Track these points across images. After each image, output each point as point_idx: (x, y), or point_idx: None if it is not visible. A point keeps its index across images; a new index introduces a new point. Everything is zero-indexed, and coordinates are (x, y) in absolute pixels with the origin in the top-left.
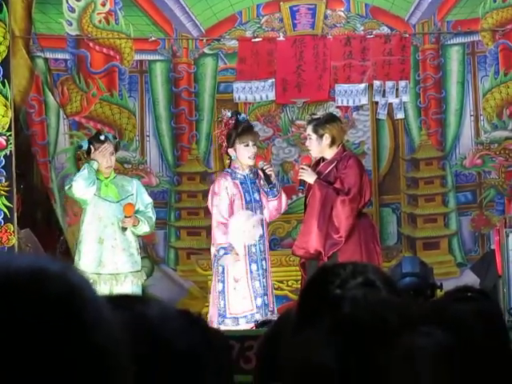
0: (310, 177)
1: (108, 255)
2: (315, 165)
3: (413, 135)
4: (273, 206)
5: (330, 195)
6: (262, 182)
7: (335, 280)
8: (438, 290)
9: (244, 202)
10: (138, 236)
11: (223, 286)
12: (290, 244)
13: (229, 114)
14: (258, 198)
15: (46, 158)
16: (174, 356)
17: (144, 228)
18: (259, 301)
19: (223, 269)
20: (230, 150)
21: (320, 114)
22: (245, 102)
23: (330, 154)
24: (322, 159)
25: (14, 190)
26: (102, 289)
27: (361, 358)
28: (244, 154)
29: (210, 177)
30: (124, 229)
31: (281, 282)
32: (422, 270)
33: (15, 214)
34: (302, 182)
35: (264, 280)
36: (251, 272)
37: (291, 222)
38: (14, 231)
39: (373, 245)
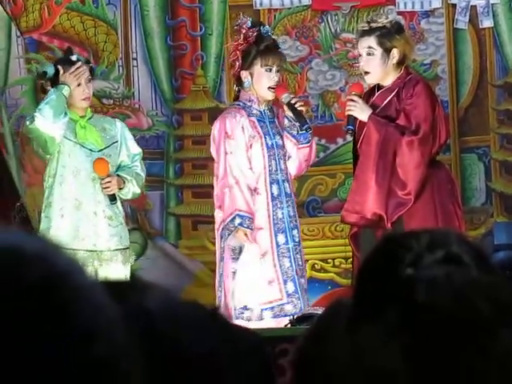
0: (362, 112)
1: (88, 225)
2: (367, 95)
3: (506, 51)
4: (303, 154)
5: (391, 136)
6: (287, 121)
7: (405, 256)
8: None
9: (265, 148)
10: (124, 201)
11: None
12: (335, 207)
13: (248, 22)
14: (280, 142)
15: None
16: (183, 362)
17: (132, 189)
18: (290, 286)
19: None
20: (244, 73)
21: (382, 21)
22: (269, 9)
23: (390, 79)
24: (378, 87)
25: None
26: None
27: (441, 360)
28: (263, 82)
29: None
30: (113, 198)
31: (324, 260)
32: None
33: None
34: (351, 120)
35: (298, 256)
36: (278, 246)
37: (337, 176)
38: None
39: (452, 206)
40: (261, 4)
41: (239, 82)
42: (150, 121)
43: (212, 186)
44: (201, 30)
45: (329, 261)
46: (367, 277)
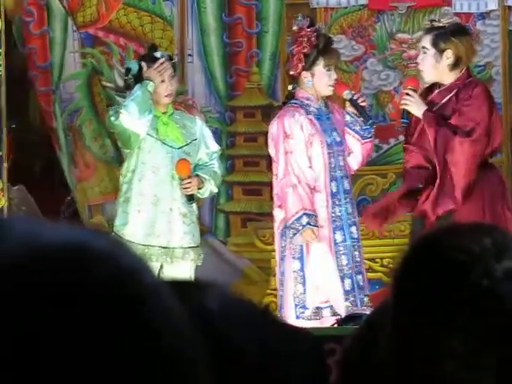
0: (417, 107)
1: (164, 221)
2: (426, 92)
3: None
4: (366, 149)
5: (444, 134)
6: (349, 117)
7: (473, 264)
8: None
9: (325, 145)
10: None
11: (301, 265)
12: None
13: (305, 22)
14: (338, 139)
15: (49, 87)
16: (241, 363)
17: (210, 188)
18: (348, 283)
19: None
20: (305, 73)
21: (445, 21)
22: (325, 8)
23: (449, 79)
24: (438, 85)
25: (4, 131)
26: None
27: None
28: (324, 80)
29: (276, 112)
30: (190, 198)
31: (372, 260)
32: None
33: (4, 165)
34: (406, 114)
35: (356, 253)
36: (336, 243)
37: (388, 176)
38: (2, 188)
39: (501, 208)
40: (317, 3)
41: (296, 81)
42: (203, 117)
43: (262, 184)
44: (257, 27)
45: (377, 260)
46: (410, 278)
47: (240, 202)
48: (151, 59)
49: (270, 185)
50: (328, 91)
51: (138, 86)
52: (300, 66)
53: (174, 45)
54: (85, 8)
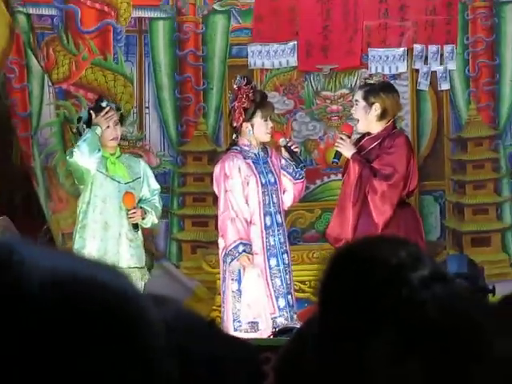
0: (347, 150)
1: (114, 244)
2: (359, 139)
3: (460, 110)
4: (297, 189)
5: (366, 175)
6: (284, 161)
7: (389, 274)
8: (490, 295)
9: (260, 185)
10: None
11: (238, 285)
12: (312, 237)
13: (243, 81)
14: (272, 179)
15: (28, 132)
16: (191, 367)
17: (151, 219)
18: (282, 301)
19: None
20: (246, 125)
21: (375, 79)
22: (261, 69)
23: (376, 128)
24: (367, 134)
25: None
26: None
27: (451, 371)
28: (262, 130)
29: (220, 157)
30: (135, 226)
31: (302, 282)
32: (471, 270)
33: None
34: (338, 155)
35: (287, 277)
36: (270, 268)
37: (315, 211)
38: None
39: (415, 241)
40: (254, 64)
41: (237, 131)
42: (158, 160)
43: (209, 217)
44: (203, 85)
45: (306, 282)
46: (351, 293)
47: (190, 231)
48: (99, 108)
49: (215, 217)
50: (266, 138)
51: (87, 130)
52: (241, 118)
53: (133, 98)
54: (58, 67)
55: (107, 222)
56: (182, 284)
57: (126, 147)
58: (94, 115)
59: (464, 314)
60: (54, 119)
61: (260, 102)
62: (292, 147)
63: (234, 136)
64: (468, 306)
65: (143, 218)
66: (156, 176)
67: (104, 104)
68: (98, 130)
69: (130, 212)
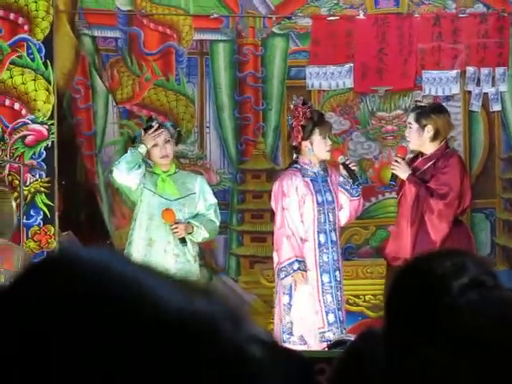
0: (403, 172)
1: (158, 260)
2: (412, 160)
3: (511, 130)
4: (354, 206)
5: (423, 195)
6: (341, 179)
7: (434, 283)
8: None
9: (316, 204)
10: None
11: (290, 299)
12: (367, 253)
13: (299, 101)
14: (330, 198)
15: (92, 151)
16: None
17: (202, 234)
18: (331, 317)
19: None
20: (305, 143)
21: (426, 101)
22: (318, 90)
23: (430, 149)
24: (421, 154)
25: (56, 186)
26: None
27: (490, 376)
28: (322, 147)
29: (278, 175)
30: (183, 241)
31: (356, 296)
32: None
33: (56, 214)
34: (394, 177)
35: (338, 293)
36: (323, 284)
37: (369, 228)
38: (54, 234)
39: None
40: (312, 86)
41: (297, 150)
42: (218, 178)
43: (267, 233)
44: (262, 105)
45: (360, 297)
46: (400, 304)
47: (248, 247)
48: (149, 127)
49: (272, 233)
50: (326, 156)
51: (129, 149)
52: (299, 136)
53: (194, 118)
54: (122, 87)
55: (151, 238)
56: (240, 297)
57: (187, 165)
58: (142, 134)
59: (499, 319)
60: (117, 138)
61: (318, 120)
62: (350, 165)
63: (295, 155)
64: (506, 309)
65: (190, 233)
66: (216, 193)
67: (154, 123)
68: (142, 148)
69: (171, 227)
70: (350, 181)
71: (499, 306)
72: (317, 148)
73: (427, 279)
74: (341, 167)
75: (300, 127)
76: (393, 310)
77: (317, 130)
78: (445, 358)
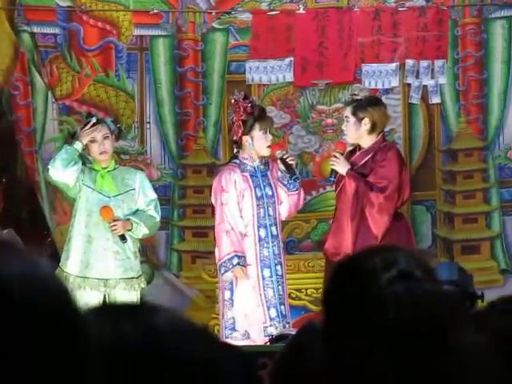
0: (342, 167)
1: (97, 257)
2: (350, 154)
3: (450, 122)
4: (293, 200)
5: (362, 190)
6: (280, 173)
7: (364, 277)
8: (479, 301)
9: (255, 198)
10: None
11: (231, 294)
12: (308, 247)
13: (240, 95)
14: (270, 192)
15: (32, 148)
16: (189, 371)
17: (142, 230)
18: (273, 312)
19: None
20: (245, 138)
21: (362, 94)
22: (259, 84)
23: (367, 142)
24: (358, 148)
25: None
26: (88, 294)
27: (415, 366)
28: (262, 143)
29: (219, 170)
30: (123, 238)
31: (298, 290)
32: (461, 277)
33: None
34: (334, 172)
35: (280, 287)
36: (263, 279)
37: (311, 222)
38: None
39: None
40: (252, 80)
41: (238, 145)
42: (159, 173)
43: (208, 228)
44: (203, 100)
45: (302, 291)
46: (334, 298)
47: (190, 242)
48: (86, 124)
49: (214, 228)
50: (266, 151)
51: (64, 145)
52: (240, 131)
53: (134, 114)
54: (62, 84)
55: (91, 235)
56: (182, 293)
57: (128, 161)
58: (79, 130)
59: (424, 309)
60: (57, 134)
61: (258, 116)
62: (287, 159)
63: (236, 150)
64: (429, 301)
65: (129, 230)
66: (157, 188)
67: (94, 119)
68: (77, 145)
69: (110, 225)
70: (287, 175)
71: (423, 298)
72: (257, 143)
73: (359, 274)
74: (278, 162)
75: (241, 122)
76: (329, 305)
77: (257, 125)
78: (372, 350)
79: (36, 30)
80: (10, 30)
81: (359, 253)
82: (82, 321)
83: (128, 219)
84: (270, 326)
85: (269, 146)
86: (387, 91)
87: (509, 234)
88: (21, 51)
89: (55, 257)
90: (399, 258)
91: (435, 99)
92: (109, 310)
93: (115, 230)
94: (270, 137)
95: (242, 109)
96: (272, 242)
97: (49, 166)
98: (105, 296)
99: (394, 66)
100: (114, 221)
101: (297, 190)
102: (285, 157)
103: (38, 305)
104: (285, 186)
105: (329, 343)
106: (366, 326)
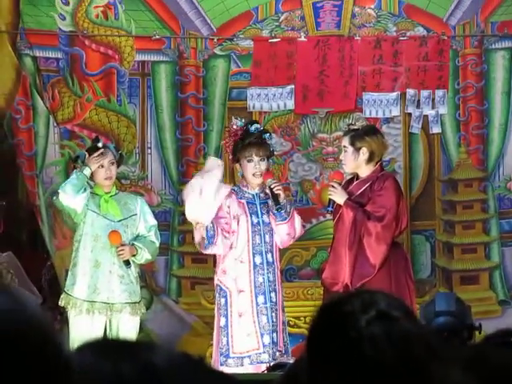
0: (339, 197)
1: (104, 281)
2: (347, 183)
3: (450, 152)
4: (283, 230)
5: (360, 219)
6: (270, 202)
7: (344, 319)
8: (477, 332)
9: (250, 225)
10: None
11: (226, 321)
12: (308, 274)
13: (239, 122)
14: (267, 220)
15: (33, 171)
16: None
17: (145, 256)
18: (266, 339)
19: (226, 301)
20: (237, 165)
21: (359, 124)
22: (260, 111)
23: (365, 171)
24: (356, 177)
25: None
26: (97, 319)
27: None
28: (248, 171)
29: None
30: (127, 263)
31: (297, 318)
32: (459, 308)
33: None
34: (332, 202)
35: (273, 314)
36: (257, 305)
37: (310, 250)
38: None
39: (405, 280)
40: (253, 107)
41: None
42: (159, 199)
43: (207, 254)
44: (204, 126)
45: (301, 318)
46: (317, 340)
47: (189, 268)
48: (94, 149)
49: (213, 255)
50: (253, 179)
51: (75, 171)
52: (232, 158)
53: (136, 139)
54: (63, 108)
55: (98, 260)
56: (181, 319)
57: (129, 186)
58: (87, 155)
59: (401, 349)
60: (58, 159)
61: (241, 144)
62: (274, 189)
63: (240, 175)
64: (407, 341)
65: (134, 255)
66: (157, 214)
67: (100, 144)
68: (87, 171)
69: (117, 249)
70: (273, 205)
71: (401, 338)
72: (244, 172)
73: (339, 316)
74: (268, 191)
75: (228, 149)
76: (311, 346)
77: (241, 154)
78: None
79: (38, 53)
80: (12, 53)
81: (340, 295)
82: (64, 356)
83: (133, 244)
84: (264, 352)
85: (255, 174)
86: (388, 120)
87: (508, 265)
88: (23, 75)
89: (55, 280)
90: (378, 300)
91: (436, 129)
92: (108, 349)
93: (122, 254)
94: (257, 165)
95: (227, 134)
96: (267, 269)
97: (59, 191)
98: (106, 323)
99: (394, 95)
100: (122, 245)
101: (283, 219)
102: (272, 186)
103: (19, 340)
104: (274, 215)
105: (312, 381)
106: (345, 365)
